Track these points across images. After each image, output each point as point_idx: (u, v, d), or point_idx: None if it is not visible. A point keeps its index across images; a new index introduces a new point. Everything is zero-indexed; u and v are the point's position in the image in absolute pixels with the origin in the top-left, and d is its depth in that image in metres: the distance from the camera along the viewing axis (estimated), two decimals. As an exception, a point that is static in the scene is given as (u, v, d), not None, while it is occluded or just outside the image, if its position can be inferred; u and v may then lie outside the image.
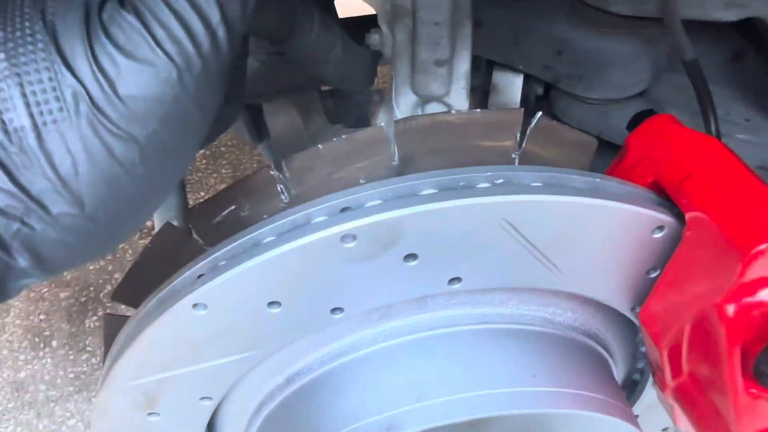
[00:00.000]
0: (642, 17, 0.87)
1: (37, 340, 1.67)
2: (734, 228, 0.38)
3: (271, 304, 0.41)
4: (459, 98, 0.57)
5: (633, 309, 0.49)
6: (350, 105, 0.70)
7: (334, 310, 0.43)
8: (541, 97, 1.13)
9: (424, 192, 0.40)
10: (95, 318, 1.75)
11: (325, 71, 0.55)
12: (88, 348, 1.67)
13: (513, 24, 1.00)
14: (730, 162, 0.41)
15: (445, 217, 0.39)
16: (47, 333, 1.69)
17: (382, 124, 0.46)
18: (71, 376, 1.56)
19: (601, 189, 0.42)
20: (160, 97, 0.30)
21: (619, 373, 0.61)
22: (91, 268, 1.82)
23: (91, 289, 1.83)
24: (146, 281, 0.48)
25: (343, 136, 0.46)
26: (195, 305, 0.40)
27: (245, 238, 0.41)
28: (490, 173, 0.40)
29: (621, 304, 0.48)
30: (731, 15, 0.82)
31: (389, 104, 0.58)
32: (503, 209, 0.39)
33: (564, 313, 0.51)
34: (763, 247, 0.37)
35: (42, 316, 1.74)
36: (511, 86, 1.11)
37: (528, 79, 1.09)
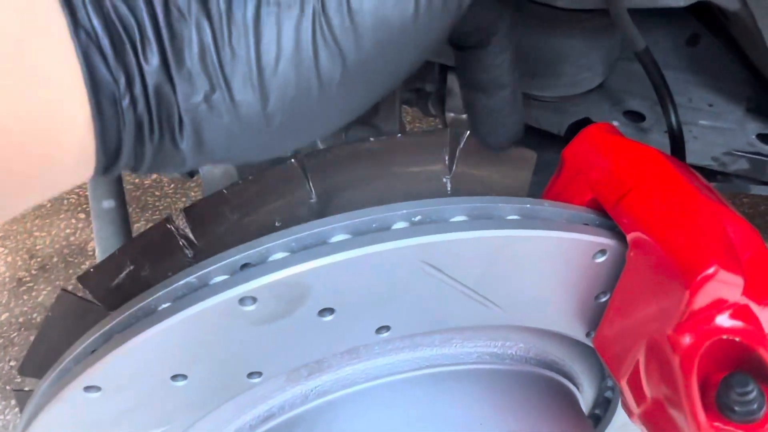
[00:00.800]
0: (588, 10, 0.83)
1: (7, 388, 1.61)
2: (679, 250, 0.34)
3: (175, 377, 0.37)
4: (389, 116, 0.52)
5: (588, 335, 0.45)
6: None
7: (251, 375, 0.39)
8: (498, 98, 1.10)
9: (334, 239, 0.35)
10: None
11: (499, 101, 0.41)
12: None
13: (461, 25, 0.97)
14: (672, 175, 0.37)
15: (357, 266, 0.34)
16: (18, 380, 1.63)
17: (293, 160, 0.41)
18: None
19: (532, 215, 0.38)
20: (388, 21, 0.28)
21: (587, 396, 0.57)
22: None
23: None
24: (50, 353, 0.43)
25: (250, 177, 0.42)
26: (87, 388, 0.36)
27: (136, 307, 0.36)
28: (405, 211, 0.36)
29: (574, 331, 0.44)
30: (680, 0, 0.79)
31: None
32: (421, 251, 0.35)
33: (515, 345, 0.46)
34: (711, 270, 0.33)
35: (12, 363, 1.68)
36: (465, 89, 1.07)
37: (483, 81, 1.05)
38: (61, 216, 2.09)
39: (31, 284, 1.86)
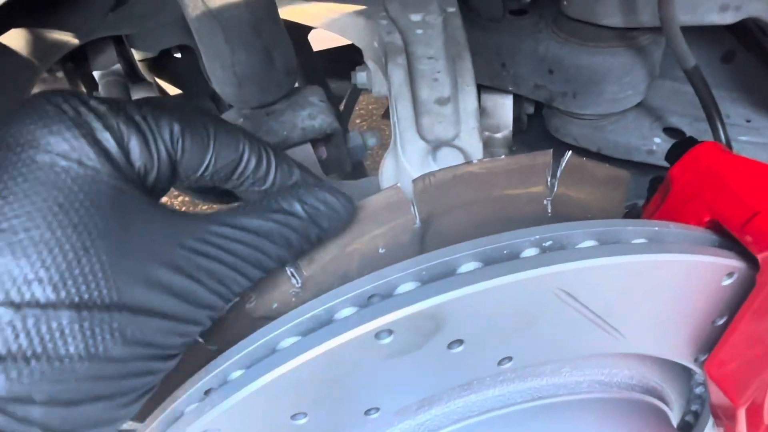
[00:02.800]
0: (635, 28, 0.84)
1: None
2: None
3: (295, 415, 0.35)
4: (471, 139, 0.51)
5: (696, 360, 0.44)
6: (345, 153, 0.64)
7: (368, 411, 0.37)
8: (533, 116, 1.10)
9: (463, 267, 0.34)
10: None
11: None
12: None
13: (495, 46, 0.97)
14: (799, 193, 0.37)
15: (493, 296, 0.33)
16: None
17: (398, 183, 0.40)
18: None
19: (660, 239, 0.37)
20: None
21: (674, 420, 0.55)
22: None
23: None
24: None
25: (357, 204, 0.40)
26: (205, 431, 0.34)
27: (258, 343, 0.34)
28: (536, 237, 0.35)
29: (684, 356, 0.43)
30: (727, 18, 0.79)
31: (393, 151, 0.53)
32: (557, 280, 0.33)
33: (620, 372, 0.45)
34: None
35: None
36: (501, 108, 1.06)
37: (518, 99, 1.05)
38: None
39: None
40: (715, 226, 0.39)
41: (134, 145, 0.31)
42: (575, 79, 0.90)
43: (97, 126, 0.29)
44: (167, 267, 0.30)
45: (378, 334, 0.32)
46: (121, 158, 0.30)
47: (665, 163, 0.49)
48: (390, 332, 0.32)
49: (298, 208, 0.35)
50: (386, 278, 0.34)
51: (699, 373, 0.45)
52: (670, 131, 0.96)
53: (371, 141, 0.66)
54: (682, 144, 0.43)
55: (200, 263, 0.32)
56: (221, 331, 0.39)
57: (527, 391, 0.42)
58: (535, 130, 1.12)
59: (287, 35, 0.60)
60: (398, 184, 0.40)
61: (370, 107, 2.53)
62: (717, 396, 0.44)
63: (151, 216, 0.30)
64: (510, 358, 0.37)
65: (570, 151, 0.44)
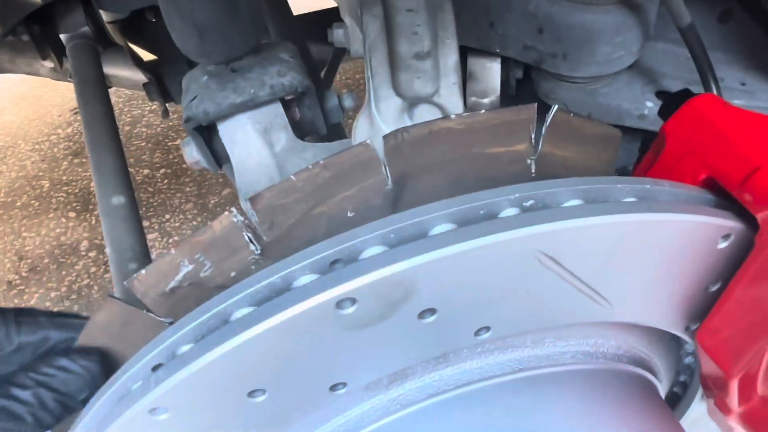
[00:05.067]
0: (628, -17, 0.79)
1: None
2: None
3: (252, 392, 0.32)
4: (451, 95, 0.47)
5: (687, 329, 0.41)
6: (319, 114, 0.60)
7: (334, 387, 0.34)
8: (521, 81, 1.05)
9: (436, 229, 0.31)
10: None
11: None
12: None
13: (483, 5, 0.92)
14: (804, 147, 0.33)
15: (468, 260, 0.30)
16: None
17: (368, 140, 0.37)
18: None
19: (652, 198, 0.33)
20: None
21: (662, 391, 0.53)
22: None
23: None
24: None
25: (321, 161, 0.37)
26: (153, 410, 0.31)
27: (210, 313, 0.31)
28: (516, 194, 0.31)
29: (674, 325, 0.40)
30: (725, -28, 0.75)
31: (368, 109, 0.49)
32: (539, 242, 0.30)
33: (607, 342, 0.42)
34: None
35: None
36: (488, 72, 1.02)
37: (506, 63, 1.00)
38: (50, 215, 2.00)
39: (22, 287, 1.78)
40: (712, 185, 0.36)
41: None
42: (566, 39, 0.86)
43: None
44: None
45: (339, 303, 0.29)
46: None
47: (656, 129, 0.46)
48: (353, 301, 0.29)
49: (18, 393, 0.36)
50: (350, 242, 0.30)
51: (689, 342, 0.43)
52: (662, 94, 0.92)
53: (348, 102, 0.62)
54: (677, 96, 0.40)
55: None
56: (174, 303, 0.36)
57: (507, 363, 0.39)
58: (523, 95, 1.08)
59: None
60: (368, 141, 0.36)
61: (357, 76, 2.46)
62: (708, 366, 0.41)
63: None
64: (488, 328, 0.34)
65: (556, 106, 0.40)
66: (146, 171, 2.13)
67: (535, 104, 0.40)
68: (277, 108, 0.57)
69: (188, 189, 2.05)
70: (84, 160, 2.20)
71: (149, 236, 1.85)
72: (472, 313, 0.33)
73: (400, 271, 0.29)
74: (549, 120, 0.40)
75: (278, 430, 0.35)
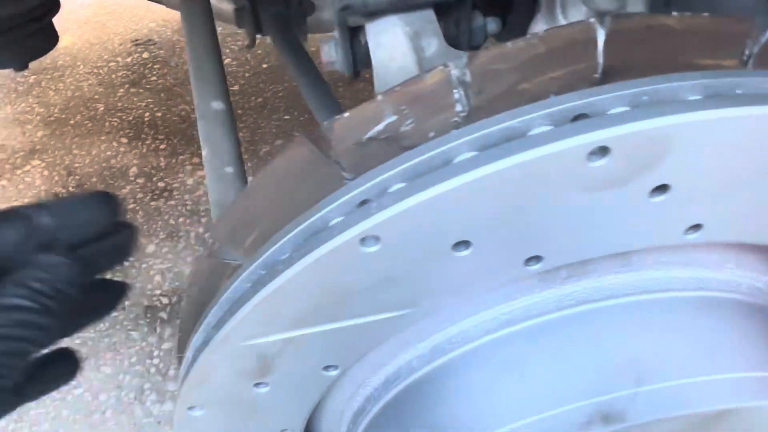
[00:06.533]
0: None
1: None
2: None
3: (458, 244, 0.30)
4: (636, 10, 0.45)
5: None
6: (465, 32, 0.58)
7: (529, 260, 0.32)
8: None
9: (690, 98, 0.29)
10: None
11: None
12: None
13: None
14: None
15: (717, 131, 0.28)
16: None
17: (591, 18, 0.35)
18: (77, 341, 1.44)
19: None
20: None
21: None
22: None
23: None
24: (258, 213, 0.37)
25: (538, 33, 0.35)
26: (364, 239, 0.29)
27: (432, 153, 0.30)
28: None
29: None
30: None
31: (548, 16, 0.47)
32: None
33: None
34: None
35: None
36: None
37: None
38: (102, 138, 2.01)
39: (68, 201, 1.79)
40: None
41: None
42: None
43: None
44: None
45: (591, 153, 0.27)
46: None
47: None
48: (605, 151, 0.27)
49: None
50: (596, 96, 0.29)
51: None
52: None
53: (492, 26, 0.60)
54: None
55: None
56: (365, 155, 0.34)
57: (686, 281, 0.37)
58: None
59: None
60: (591, 19, 0.35)
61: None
62: None
63: None
64: (700, 226, 0.32)
65: (775, 22, 0.38)
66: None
67: (759, 19, 0.37)
68: (431, 14, 0.55)
69: (241, 134, 2.05)
70: (141, 90, 2.20)
71: (195, 178, 1.85)
72: (701, 201, 0.31)
73: (657, 128, 0.27)
74: (765, 40, 0.37)
75: (462, 294, 0.33)
